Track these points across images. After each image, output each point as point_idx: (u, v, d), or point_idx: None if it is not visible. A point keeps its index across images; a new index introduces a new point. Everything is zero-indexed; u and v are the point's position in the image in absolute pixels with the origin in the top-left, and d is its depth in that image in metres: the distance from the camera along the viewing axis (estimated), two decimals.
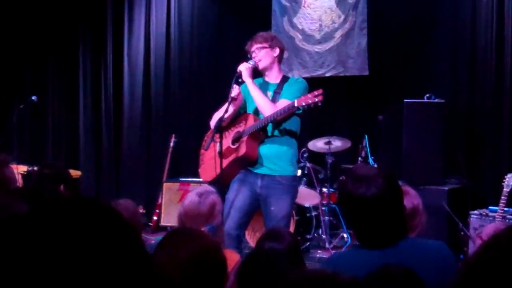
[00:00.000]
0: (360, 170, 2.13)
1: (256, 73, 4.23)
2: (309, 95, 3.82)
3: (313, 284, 1.22)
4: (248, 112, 4.23)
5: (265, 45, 4.13)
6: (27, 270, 0.82)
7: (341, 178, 6.43)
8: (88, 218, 0.89)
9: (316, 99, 3.78)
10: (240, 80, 4.05)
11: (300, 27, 7.02)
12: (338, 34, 6.83)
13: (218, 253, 2.01)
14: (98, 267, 0.84)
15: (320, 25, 6.92)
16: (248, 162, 4.11)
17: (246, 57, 4.24)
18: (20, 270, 0.82)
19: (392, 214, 2.03)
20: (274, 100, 4.08)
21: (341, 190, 2.13)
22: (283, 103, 3.97)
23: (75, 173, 6.94)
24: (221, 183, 4.06)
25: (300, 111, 3.99)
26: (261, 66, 4.15)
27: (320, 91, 3.80)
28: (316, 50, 6.94)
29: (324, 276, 1.25)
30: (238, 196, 4.09)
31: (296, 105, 3.82)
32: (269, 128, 4.07)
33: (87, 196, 0.99)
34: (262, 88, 4.16)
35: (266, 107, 3.99)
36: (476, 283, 0.92)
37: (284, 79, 4.19)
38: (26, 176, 6.02)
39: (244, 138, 4.08)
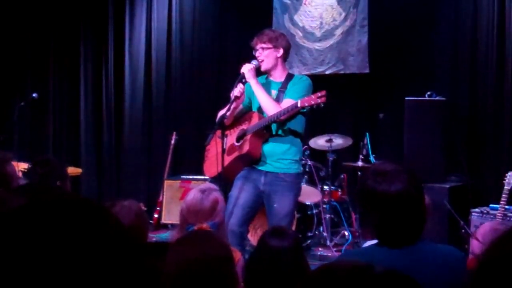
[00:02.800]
0: (381, 165, 2.07)
1: (260, 70, 4.24)
2: (313, 96, 3.84)
3: (348, 274, 1.21)
4: (253, 110, 4.24)
5: (269, 45, 4.13)
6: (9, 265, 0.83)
7: (342, 176, 6.44)
8: (76, 216, 0.89)
9: (319, 101, 3.80)
10: (244, 80, 4.05)
11: (300, 24, 7.02)
12: (338, 32, 6.83)
13: (227, 265, 1.96)
14: (81, 264, 0.85)
15: (321, 23, 6.92)
16: (251, 160, 4.12)
17: (247, 54, 4.26)
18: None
19: (415, 210, 1.98)
20: (278, 98, 4.09)
21: (361, 187, 2.03)
22: (287, 102, 3.98)
23: (76, 170, 6.94)
24: (223, 180, 4.08)
25: (305, 110, 4.01)
26: (263, 67, 4.17)
27: (324, 92, 3.82)
28: (317, 47, 6.94)
29: (359, 267, 1.23)
30: (241, 193, 4.11)
31: (299, 105, 3.84)
32: (274, 126, 4.08)
33: (77, 195, 1.00)
34: (266, 86, 4.18)
35: (270, 107, 4.00)
36: (487, 283, 0.93)
37: (289, 77, 4.19)
38: (26, 174, 6.02)
39: (248, 136, 4.10)
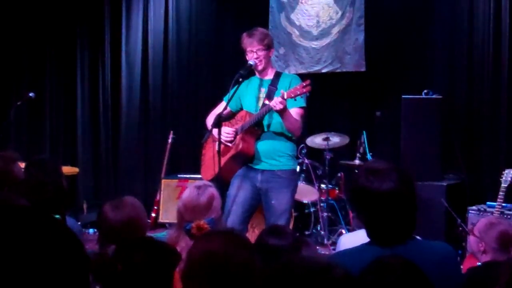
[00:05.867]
0: (373, 164, 2.07)
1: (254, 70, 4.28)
2: (298, 87, 3.91)
3: (308, 272, 1.21)
4: (243, 109, 4.29)
5: (265, 47, 4.19)
6: None
7: (339, 174, 6.44)
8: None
9: (305, 90, 3.87)
10: (240, 79, 4.06)
11: (297, 23, 7.02)
12: (335, 30, 6.83)
13: (249, 263, 1.92)
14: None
15: (318, 21, 6.92)
16: (246, 158, 4.15)
17: (244, 53, 4.26)
18: None
19: (406, 208, 1.99)
20: (269, 94, 4.14)
21: (353, 185, 2.05)
22: (295, 112, 4.04)
23: (73, 169, 6.93)
24: (220, 181, 4.09)
25: (304, 105, 4.08)
26: (261, 67, 4.22)
27: (308, 81, 3.90)
28: (313, 46, 6.94)
29: (320, 267, 1.24)
30: (239, 191, 4.13)
31: (285, 97, 3.86)
32: (265, 122, 4.11)
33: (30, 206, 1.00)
34: (258, 85, 4.25)
35: (295, 127, 4.08)
36: None
37: (277, 74, 4.28)
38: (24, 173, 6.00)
39: (240, 135, 4.14)
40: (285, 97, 3.85)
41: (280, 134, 4.12)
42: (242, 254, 1.86)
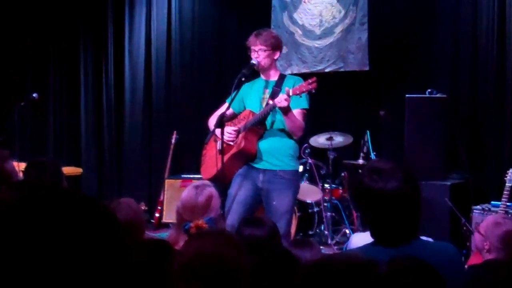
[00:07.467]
0: (377, 163, 2.06)
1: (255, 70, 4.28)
2: (303, 84, 3.92)
3: (350, 270, 1.20)
4: (247, 108, 4.28)
5: (269, 48, 4.17)
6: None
7: (342, 174, 6.42)
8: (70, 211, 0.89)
9: (310, 87, 3.87)
10: (243, 79, 4.05)
11: (300, 22, 7.00)
12: (338, 29, 6.81)
13: (239, 264, 1.89)
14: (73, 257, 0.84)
15: (321, 20, 6.90)
16: (247, 157, 4.14)
17: (247, 53, 4.26)
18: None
19: (410, 208, 1.97)
20: (273, 95, 4.13)
21: (358, 184, 2.03)
22: (297, 112, 4.04)
23: (76, 170, 6.93)
24: (221, 180, 4.09)
25: (307, 107, 4.09)
26: (261, 67, 4.21)
27: (314, 79, 3.90)
28: (316, 45, 6.92)
29: (361, 263, 1.22)
30: (240, 190, 4.13)
31: (291, 94, 3.86)
32: (268, 121, 4.10)
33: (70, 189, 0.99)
34: (262, 85, 4.25)
35: (296, 127, 4.07)
36: None
37: (282, 76, 4.28)
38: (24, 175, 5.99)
39: (243, 133, 4.14)
40: (291, 93, 3.84)
41: (282, 131, 4.12)
42: (233, 254, 1.85)
